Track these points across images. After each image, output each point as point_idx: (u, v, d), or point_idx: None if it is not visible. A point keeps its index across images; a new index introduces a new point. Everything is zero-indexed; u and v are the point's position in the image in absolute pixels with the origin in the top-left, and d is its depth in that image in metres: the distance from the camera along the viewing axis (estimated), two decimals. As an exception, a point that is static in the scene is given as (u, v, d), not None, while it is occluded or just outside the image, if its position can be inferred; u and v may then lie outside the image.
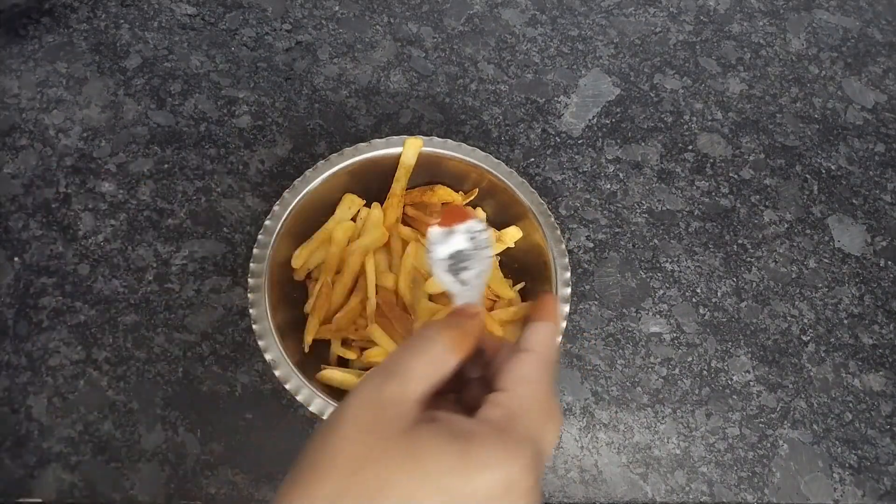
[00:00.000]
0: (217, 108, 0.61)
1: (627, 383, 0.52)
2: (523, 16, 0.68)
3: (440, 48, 0.66)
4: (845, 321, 0.56)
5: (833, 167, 0.62)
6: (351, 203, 0.50)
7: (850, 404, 0.52)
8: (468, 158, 0.50)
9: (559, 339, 0.27)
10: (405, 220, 0.51)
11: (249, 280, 0.44)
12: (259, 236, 0.45)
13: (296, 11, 0.67)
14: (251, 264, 0.45)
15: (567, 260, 0.47)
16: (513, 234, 0.49)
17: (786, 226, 0.59)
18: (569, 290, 0.46)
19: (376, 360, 0.46)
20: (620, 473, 0.49)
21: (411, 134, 0.50)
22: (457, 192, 0.51)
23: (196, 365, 0.50)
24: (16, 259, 0.53)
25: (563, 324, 0.45)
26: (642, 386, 0.52)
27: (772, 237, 0.59)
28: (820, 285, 0.57)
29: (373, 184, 0.51)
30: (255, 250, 0.45)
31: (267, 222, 0.46)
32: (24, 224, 0.54)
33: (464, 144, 0.50)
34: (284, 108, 0.61)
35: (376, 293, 0.47)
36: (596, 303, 0.55)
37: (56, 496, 0.46)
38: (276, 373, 0.42)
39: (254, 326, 0.43)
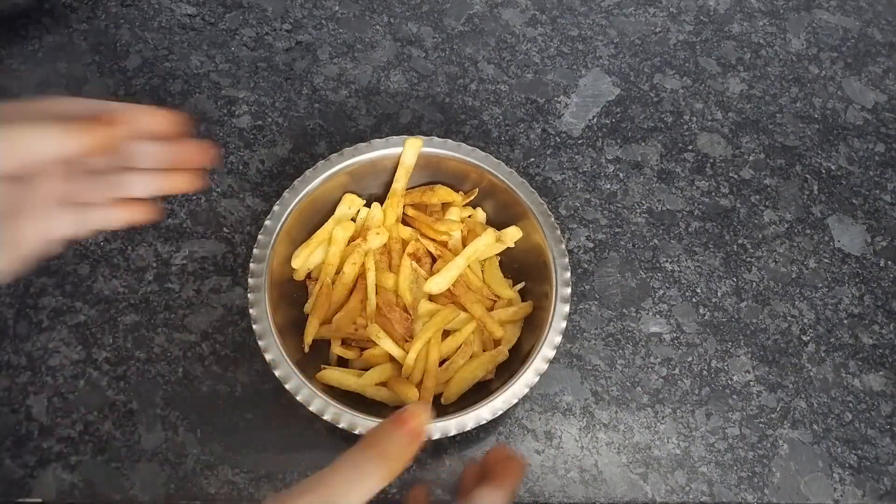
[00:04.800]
0: (217, 108, 0.61)
1: (627, 383, 0.52)
2: (523, 16, 0.68)
3: (440, 48, 0.66)
4: (845, 321, 0.56)
5: (833, 167, 0.62)
6: (351, 203, 0.50)
7: (850, 404, 0.52)
8: (468, 158, 0.50)
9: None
10: (405, 220, 0.51)
11: (249, 280, 0.44)
12: (259, 236, 0.45)
13: (296, 11, 0.67)
14: (251, 264, 0.45)
15: (567, 260, 0.47)
16: (513, 235, 0.49)
17: (786, 226, 0.59)
18: (569, 290, 0.46)
19: (376, 360, 0.46)
20: (620, 473, 0.49)
21: (411, 134, 0.50)
22: (457, 192, 0.51)
23: (196, 365, 0.50)
24: (16, 259, 0.53)
25: (563, 323, 0.45)
26: (642, 386, 0.52)
27: (772, 237, 0.59)
28: (820, 285, 0.57)
29: (372, 184, 0.51)
30: (255, 250, 0.45)
31: (267, 222, 0.46)
32: (24, 224, 0.54)
33: (464, 144, 0.50)
34: (284, 108, 0.61)
35: (376, 293, 0.47)
36: (596, 303, 0.55)
37: (56, 496, 0.46)
38: (276, 373, 0.42)
39: (254, 326, 0.43)
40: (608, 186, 0.60)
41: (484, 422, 0.42)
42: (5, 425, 0.48)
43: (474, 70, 0.65)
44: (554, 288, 0.46)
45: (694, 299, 0.56)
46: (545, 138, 0.62)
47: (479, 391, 0.45)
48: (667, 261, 0.57)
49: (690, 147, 0.62)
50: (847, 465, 0.50)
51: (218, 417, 0.49)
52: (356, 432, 0.41)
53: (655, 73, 0.66)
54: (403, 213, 0.51)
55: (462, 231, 0.50)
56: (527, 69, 0.65)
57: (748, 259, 0.58)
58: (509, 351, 0.47)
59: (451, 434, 0.42)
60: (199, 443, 0.48)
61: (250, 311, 0.43)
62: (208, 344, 0.51)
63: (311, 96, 0.62)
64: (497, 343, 0.48)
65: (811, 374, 0.53)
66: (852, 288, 0.57)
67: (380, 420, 0.41)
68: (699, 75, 0.66)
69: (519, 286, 0.50)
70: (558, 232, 0.47)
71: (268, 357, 0.42)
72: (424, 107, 0.62)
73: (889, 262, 0.58)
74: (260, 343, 0.42)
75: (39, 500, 0.46)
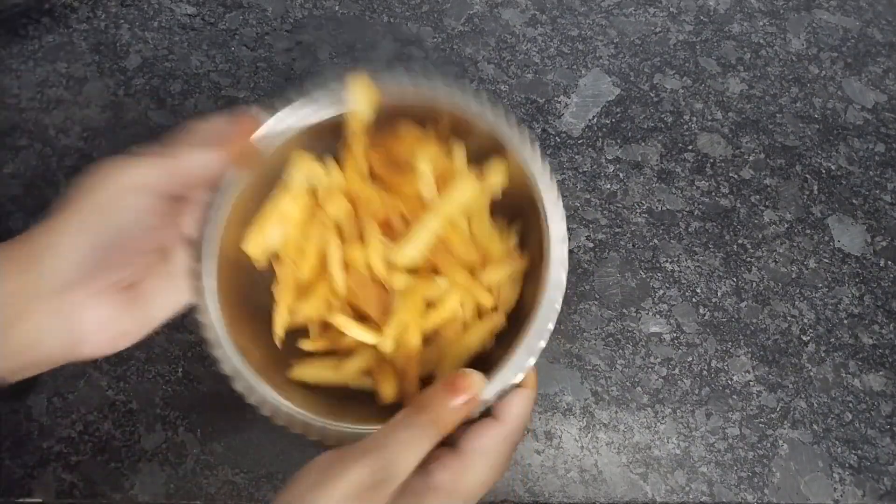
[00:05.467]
0: (217, 108, 0.61)
1: (627, 383, 0.52)
2: (523, 16, 0.68)
3: (440, 48, 0.66)
4: (845, 321, 0.56)
5: (833, 167, 0.62)
6: (303, 166, 0.39)
7: (850, 404, 0.52)
8: (431, 94, 0.40)
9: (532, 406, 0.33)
10: (372, 180, 0.42)
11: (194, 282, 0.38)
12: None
13: (296, 11, 0.67)
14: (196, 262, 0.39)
15: (556, 196, 0.38)
16: (496, 178, 0.40)
17: (786, 226, 0.59)
18: (563, 227, 0.37)
19: (358, 346, 0.40)
20: (620, 473, 0.49)
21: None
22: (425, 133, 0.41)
23: (196, 365, 0.50)
24: (16, 259, 0.53)
25: (563, 275, 0.37)
26: (642, 386, 0.52)
27: (772, 237, 0.59)
28: (820, 285, 0.57)
29: (329, 144, 0.42)
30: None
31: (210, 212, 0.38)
32: (24, 224, 0.54)
33: (423, 78, 0.41)
34: (284, 108, 0.61)
35: (345, 271, 0.39)
36: (596, 303, 0.55)
37: (56, 496, 0.46)
38: (237, 387, 0.36)
39: (207, 336, 0.38)
40: (608, 186, 0.60)
41: (488, 405, 0.34)
42: (5, 425, 0.48)
43: (474, 70, 0.65)
44: (545, 236, 0.37)
45: (694, 299, 0.56)
46: (545, 138, 0.62)
47: (479, 366, 0.36)
48: (667, 261, 0.57)
49: (690, 147, 0.62)
50: (847, 465, 0.50)
51: (218, 417, 0.49)
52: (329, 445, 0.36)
53: (655, 73, 0.66)
54: (369, 172, 0.42)
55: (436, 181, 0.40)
56: (527, 69, 0.65)
57: (748, 259, 0.58)
58: (511, 313, 0.40)
59: None
60: (199, 443, 0.48)
61: (199, 317, 0.38)
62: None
63: (311, 96, 0.62)
64: (493, 308, 0.40)
65: (811, 374, 0.53)
66: (852, 288, 0.57)
67: (353, 425, 0.36)
68: (699, 75, 0.66)
69: (514, 238, 0.41)
70: (543, 162, 0.39)
71: (225, 369, 0.36)
72: (424, 107, 0.62)
73: (889, 262, 0.58)
74: (215, 354, 0.37)
75: (39, 501, 0.46)
